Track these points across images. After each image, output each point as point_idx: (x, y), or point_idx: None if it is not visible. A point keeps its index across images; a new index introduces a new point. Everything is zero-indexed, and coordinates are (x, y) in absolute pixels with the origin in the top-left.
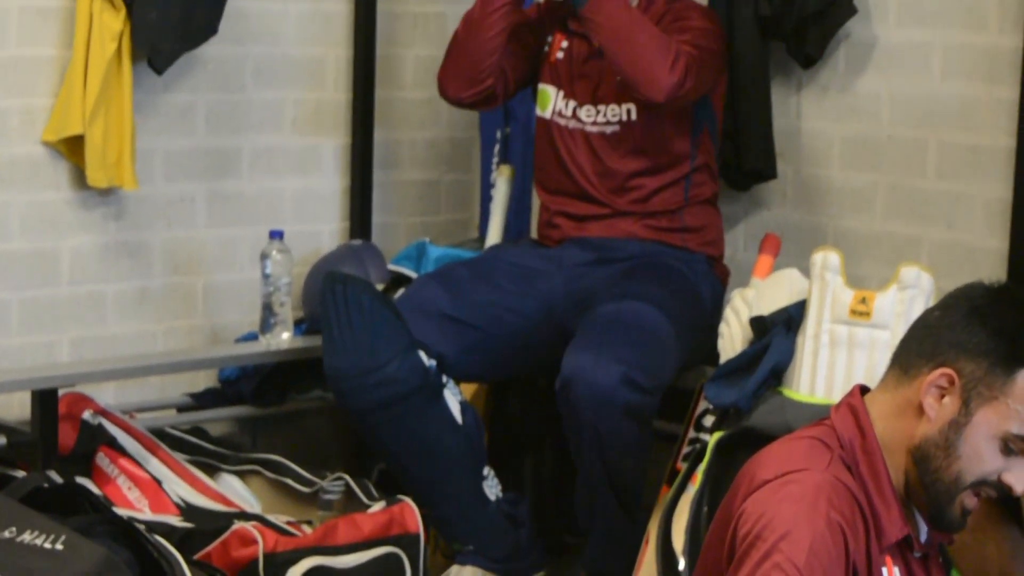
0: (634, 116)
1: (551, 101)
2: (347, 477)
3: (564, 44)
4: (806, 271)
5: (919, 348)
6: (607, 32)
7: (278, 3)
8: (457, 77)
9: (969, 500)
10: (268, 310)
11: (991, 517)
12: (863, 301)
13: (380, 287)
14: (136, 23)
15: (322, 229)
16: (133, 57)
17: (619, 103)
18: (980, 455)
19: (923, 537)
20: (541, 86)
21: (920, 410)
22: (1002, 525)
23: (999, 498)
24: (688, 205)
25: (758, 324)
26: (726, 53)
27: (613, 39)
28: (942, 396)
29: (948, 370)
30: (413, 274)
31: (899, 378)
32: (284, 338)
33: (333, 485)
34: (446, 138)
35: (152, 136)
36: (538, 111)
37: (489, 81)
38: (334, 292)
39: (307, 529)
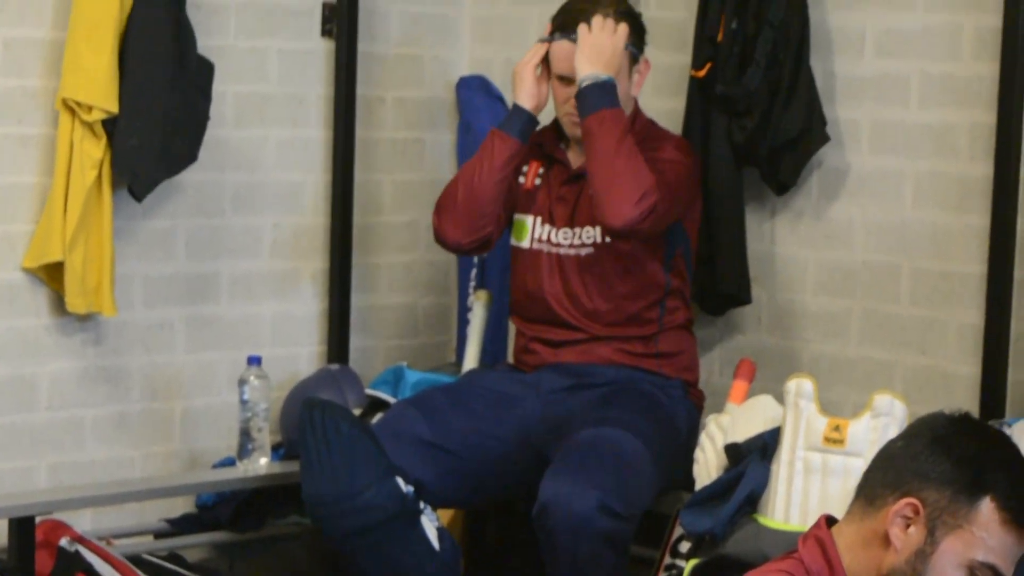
0: (608, 238)
1: (528, 230)
2: None
3: (541, 171)
4: (780, 397)
5: (883, 478)
6: (597, 146)
7: (257, 130)
8: (458, 227)
9: None
10: (246, 436)
11: None
12: (837, 429)
13: (358, 412)
14: (116, 151)
15: (300, 353)
16: (113, 184)
17: (594, 225)
18: None
19: None
20: (517, 216)
21: (886, 540)
22: None
23: None
24: (663, 330)
25: (733, 451)
26: (698, 183)
27: (600, 154)
28: (907, 526)
29: (913, 500)
30: (391, 399)
31: (864, 509)
32: (262, 464)
33: None
34: (424, 262)
35: (131, 262)
36: (513, 241)
37: (490, 228)
38: (312, 419)
39: None
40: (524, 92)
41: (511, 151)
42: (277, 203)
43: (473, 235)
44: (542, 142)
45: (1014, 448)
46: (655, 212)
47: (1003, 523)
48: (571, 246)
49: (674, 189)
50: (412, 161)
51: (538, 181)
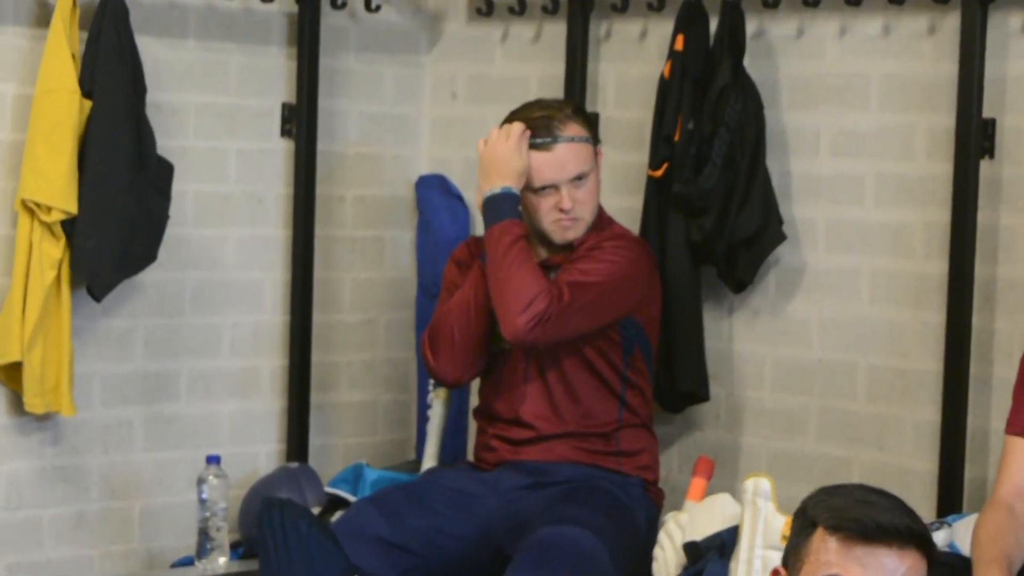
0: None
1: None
2: None
3: None
4: (739, 494)
5: None
6: (489, 260)
7: (217, 229)
8: (458, 365)
9: None
10: (204, 535)
11: None
12: None
13: (317, 510)
14: (75, 251)
15: (259, 451)
16: (72, 284)
17: None
18: None
19: None
20: None
21: None
22: None
23: None
24: (622, 428)
25: (692, 549)
26: (650, 279)
27: (490, 267)
28: None
29: (779, 568)
30: (350, 497)
31: None
32: (220, 563)
33: None
34: (383, 360)
35: (90, 361)
36: None
37: (486, 356)
38: (271, 518)
39: None
40: (515, 173)
41: (519, 231)
42: (237, 301)
43: (474, 368)
44: None
45: (848, 487)
46: (543, 320)
47: (831, 537)
48: None
49: (590, 293)
50: (372, 259)
51: None
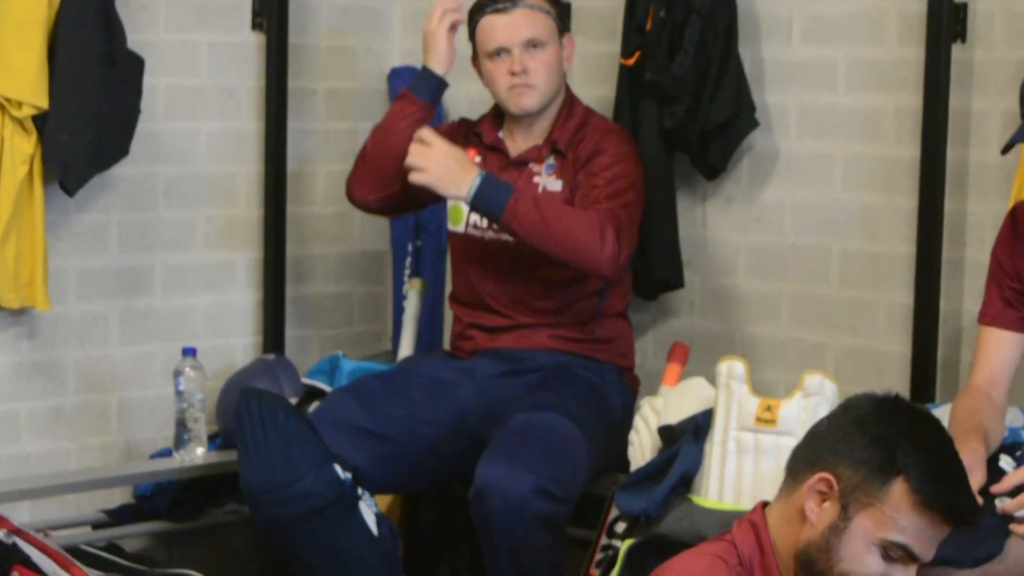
0: None
1: (463, 215)
2: None
3: (477, 159)
4: (713, 379)
5: (805, 455)
6: (531, 236)
7: (189, 123)
8: (364, 182)
9: None
10: (182, 426)
11: None
12: (768, 409)
13: (294, 401)
14: (47, 146)
15: (235, 344)
16: (45, 179)
17: None
18: (861, 559)
19: None
20: (452, 201)
21: (804, 515)
22: None
23: None
24: (600, 318)
25: (666, 433)
26: (644, 173)
27: (538, 239)
28: (823, 500)
29: (827, 475)
30: (327, 387)
31: (790, 486)
32: (198, 454)
33: None
34: (358, 252)
35: (64, 256)
36: (450, 226)
37: (396, 187)
38: (249, 408)
39: None
40: (437, 56)
41: (419, 115)
42: (210, 195)
43: (377, 193)
44: (480, 131)
45: (935, 432)
46: (622, 236)
47: (914, 505)
48: None
49: (630, 198)
50: (345, 151)
51: None
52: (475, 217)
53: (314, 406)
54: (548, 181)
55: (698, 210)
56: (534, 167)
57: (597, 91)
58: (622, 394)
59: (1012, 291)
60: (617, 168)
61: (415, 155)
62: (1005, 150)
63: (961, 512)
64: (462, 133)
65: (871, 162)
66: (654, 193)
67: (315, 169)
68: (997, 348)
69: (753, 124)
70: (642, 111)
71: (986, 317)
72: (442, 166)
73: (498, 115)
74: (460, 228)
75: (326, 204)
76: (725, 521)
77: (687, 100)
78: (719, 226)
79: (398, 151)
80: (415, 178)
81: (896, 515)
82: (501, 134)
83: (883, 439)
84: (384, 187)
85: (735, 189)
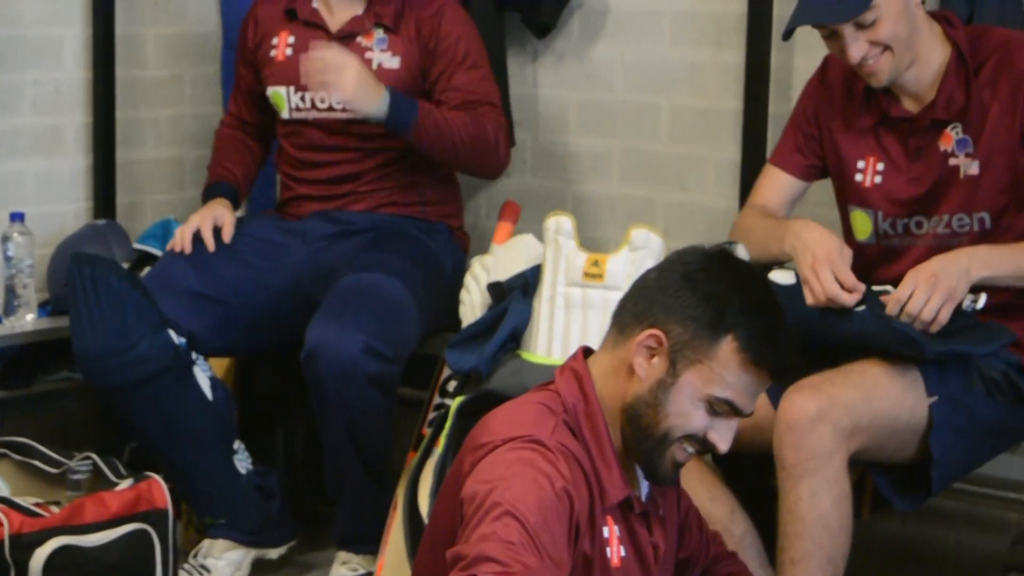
0: None
1: (285, 101)
2: (95, 457)
3: (291, 40)
4: (543, 236)
5: (634, 309)
6: (434, 150)
7: None
8: None
9: (680, 454)
10: (11, 292)
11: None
12: (595, 264)
13: (126, 266)
14: None
15: (66, 210)
16: None
17: None
18: (688, 415)
19: (644, 495)
20: (272, 90)
21: (632, 370)
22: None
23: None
24: (429, 181)
25: (495, 289)
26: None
27: (441, 152)
28: (652, 356)
29: (657, 331)
30: (159, 252)
31: (616, 338)
32: (28, 320)
33: (81, 465)
34: (189, 115)
35: None
36: (279, 113)
37: None
38: (81, 273)
39: (55, 510)
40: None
41: None
42: (37, 58)
43: None
44: (292, 7)
45: (762, 289)
46: (504, 135)
47: (742, 363)
48: (343, 109)
49: (492, 77)
50: (176, 14)
51: (289, 51)
52: (296, 100)
53: (146, 271)
54: (383, 58)
55: (529, 68)
56: (362, 41)
57: None
58: (452, 253)
59: (806, 137)
60: (473, 57)
61: (327, 72)
62: (786, 36)
63: (786, 369)
64: (277, 9)
65: (699, 18)
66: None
67: (145, 32)
68: (779, 187)
69: None
70: None
71: (776, 157)
72: (356, 83)
73: None
74: (285, 114)
75: (157, 68)
76: (553, 376)
77: None
78: (550, 84)
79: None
80: (328, 94)
81: (724, 372)
82: (316, 4)
83: (713, 297)
84: None
85: (565, 46)
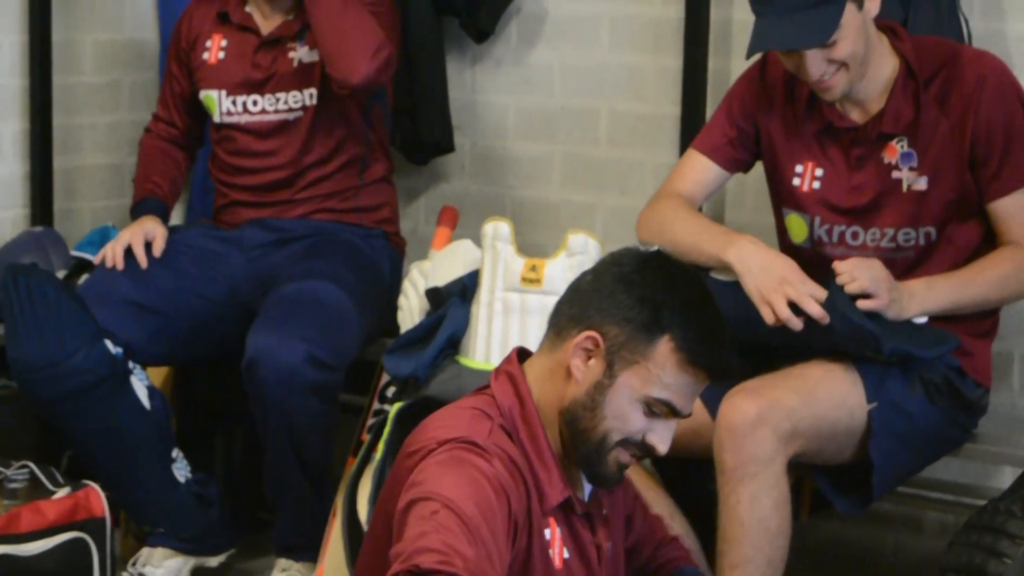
0: (313, 100)
1: (216, 105)
2: (32, 465)
3: (223, 43)
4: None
5: (569, 312)
6: (321, 8)
7: None
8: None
9: (623, 456)
10: None
11: None
12: (533, 269)
13: (62, 274)
14: None
15: (3, 216)
16: None
17: (300, 89)
18: (624, 416)
19: (587, 496)
20: (204, 93)
21: (569, 372)
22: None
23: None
24: (364, 186)
25: (433, 295)
26: (399, 29)
27: (326, 15)
28: (588, 358)
29: (594, 333)
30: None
31: (553, 341)
32: None
33: (17, 474)
34: (127, 122)
35: None
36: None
37: None
38: (16, 283)
39: None
40: None
41: None
42: None
43: None
44: (225, 10)
45: (698, 290)
46: (390, 63)
47: (679, 363)
48: (276, 112)
49: (394, 36)
50: (112, 19)
51: (221, 55)
52: (227, 104)
53: (84, 279)
54: (303, 53)
55: (468, 73)
56: (289, 44)
57: None
58: (390, 258)
59: (740, 132)
60: (378, 7)
61: None
62: (748, 56)
63: (724, 369)
64: (210, 12)
65: (637, 22)
66: (422, 57)
67: (82, 37)
68: (703, 176)
69: None
70: None
71: (703, 145)
72: None
73: None
74: (216, 118)
75: (95, 74)
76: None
77: None
78: (489, 89)
79: None
80: None
81: (661, 372)
82: (248, 8)
83: (648, 298)
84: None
85: (504, 52)
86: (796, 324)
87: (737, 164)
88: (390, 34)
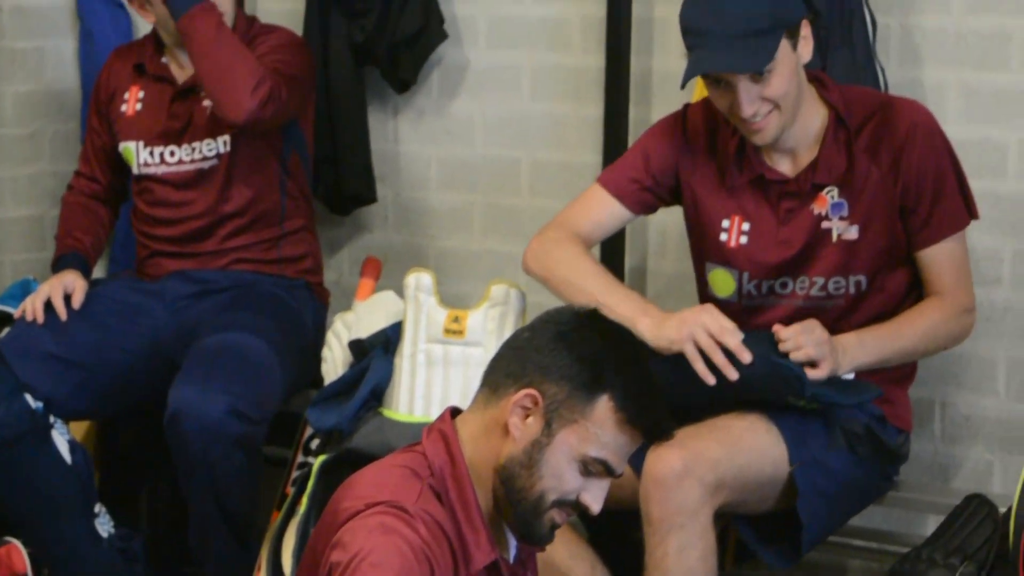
0: (227, 147)
1: (134, 156)
2: None
3: (141, 95)
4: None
5: (507, 368)
6: (197, 47)
7: None
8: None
9: (559, 516)
10: None
11: None
12: (456, 320)
13: None
14: None
15: None
16: None
17: (213, 136)
18: (561, 475)
19: (512, 557)
20: (123, 145)
21: (506, 430)
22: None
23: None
24: (284, 235)
25: (357, 347)
26: (313, 78)
27: (202, 55)
28: (526, 416)
29: (532, 391)
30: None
31: (488, 398)
32: None
33: None
34: (49, 173)
35: None
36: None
37: None
38: None
39: None
40: None
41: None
42: None
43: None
44: (142, 61)
45: (635, 349)
46: (273, 98)
47: (618, 423)
48: (192, 162)
49: (290, 78)
50: (33, 71)
51: (139, 106)
52: (145, 155)
53: (4, 333)
54: None
55: (390, 124)
56: (203, 93)
57: (286, 5)
58: (313, 310)
59: (657, 183)
60: (280, 53)
61: None
62: (683, 85)
63: (661, 430)
64: (128, 65)
65: (558, 72)
66: (345, 107)
67: (3, 90)
68: (606, 215)
69: (442, 36)
70: (331, 24)
71: (611, 184)
72: None
73: (157, 41)
74: (135, 169)
75: (15, 125)
76: (416, 433)
77: (375, 13)
78: (411, 139)
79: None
80: None
81: (600, 431)
82: (165, 59)
83: (588, 357)
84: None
85: (426, 102)
86: (732, 374)
87: (646, 208)
88: (296, 84)
